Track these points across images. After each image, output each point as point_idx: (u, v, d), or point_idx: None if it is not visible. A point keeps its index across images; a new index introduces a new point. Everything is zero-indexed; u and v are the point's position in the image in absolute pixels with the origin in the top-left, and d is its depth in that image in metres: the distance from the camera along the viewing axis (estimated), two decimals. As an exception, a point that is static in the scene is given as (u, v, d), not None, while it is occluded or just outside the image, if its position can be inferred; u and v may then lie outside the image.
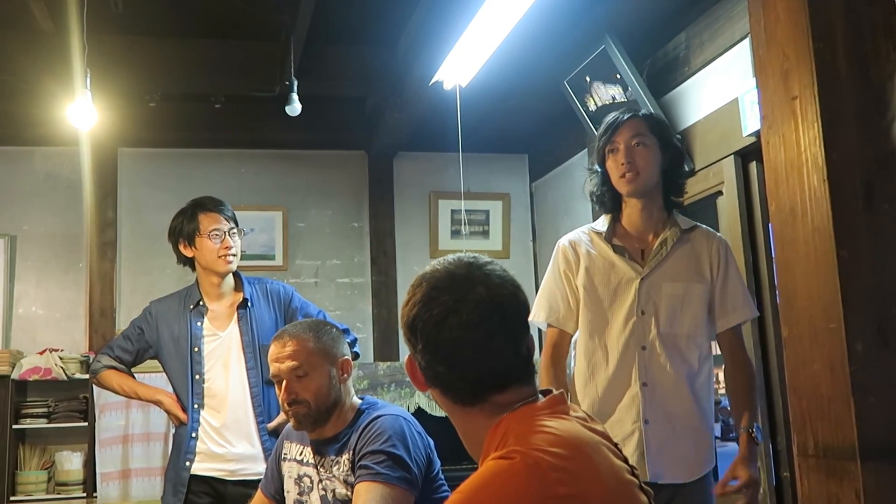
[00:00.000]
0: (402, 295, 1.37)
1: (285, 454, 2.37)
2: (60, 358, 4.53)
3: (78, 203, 4.89)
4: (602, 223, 2.43)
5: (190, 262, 3.04)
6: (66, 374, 4.49)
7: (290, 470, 2.33)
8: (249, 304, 2.99)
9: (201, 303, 3.00)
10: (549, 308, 2.42)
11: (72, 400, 4.56)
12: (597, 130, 3.93)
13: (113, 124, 4.46)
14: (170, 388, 3.02)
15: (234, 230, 3.00)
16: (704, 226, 2.43)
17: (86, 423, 4.46)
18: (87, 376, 4.46)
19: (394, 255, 5.25)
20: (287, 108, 3.81)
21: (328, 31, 4.07)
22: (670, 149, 2.37)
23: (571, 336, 2.42)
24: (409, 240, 5.29)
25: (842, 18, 1.46)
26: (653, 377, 2.27)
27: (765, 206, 3.22)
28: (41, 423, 4.50)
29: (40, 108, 4.47)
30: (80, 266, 4.90)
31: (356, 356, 3.04)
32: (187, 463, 2.88)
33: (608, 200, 2.40)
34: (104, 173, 4.94)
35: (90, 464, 4.41)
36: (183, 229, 2.99)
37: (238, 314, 2.98)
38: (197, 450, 2.89)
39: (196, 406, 2.91)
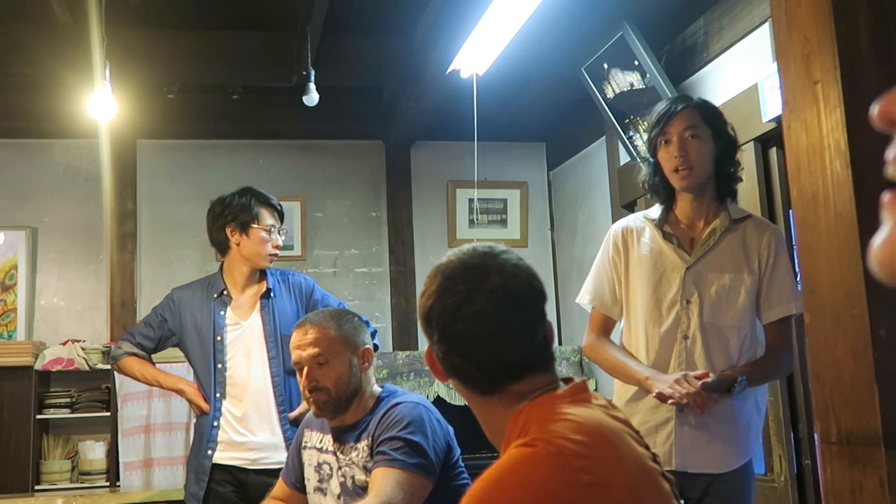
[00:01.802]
0: (421, 284, 1.37)
1: (306, 442, 2.39)
2: (83, 349, 4.57)
3: (98, 195, 4.92)
4: (656, 210, 2.41)
5: (222, 248, 3.03)
6: (88, 364, 4.53)
7: (310, 458, 2.34)
8: (272, 294, 3.01)
9: (225, 292, 3.02)
10: (595, 292, 2.43)
11: (94, 390, 4.60)
12: (615, 118, 3.98)
13: (132, 116, 4.48)
14: (191, 377, 3.05)
15: (282, 230, 3.04)
16: (758, 216, 2.40)
17: (108, 413, 4.49)
18: (109, 366, 4.50)
19: (412, 244, 5.25)
20: (304, 99, 3.81)
21: (345, 20, 4.06)
22: (722, 138, 2.32)
23: (616, 322, 2.42)
24: (426, 229, 5.29)
25: (864, 1, 1.44)
26: (692, 367, 2.24)
27: (785, 193, 3.19)
28: (64, 413, 4.54)
29: (60, 101, 4.50)
30: (100, 257, 4.94)
31: (376, 348, 3.09)
32: (209, 452, 2.90)
33: (662, 191, 2.36)
34: (123, 165, 4.96)
35: (113, 453, 4.45)
36: (238, 215, 2.97)
37: (261, 304, 3.00)
38: (219, 439, 2.91)
39: (218, 395, 2.94)
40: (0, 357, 4.43)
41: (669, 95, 3.55)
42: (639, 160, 2.47)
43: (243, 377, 2.94)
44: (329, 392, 2.21)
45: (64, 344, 4.59)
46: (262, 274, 3.06)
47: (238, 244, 2.99)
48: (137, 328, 3.09)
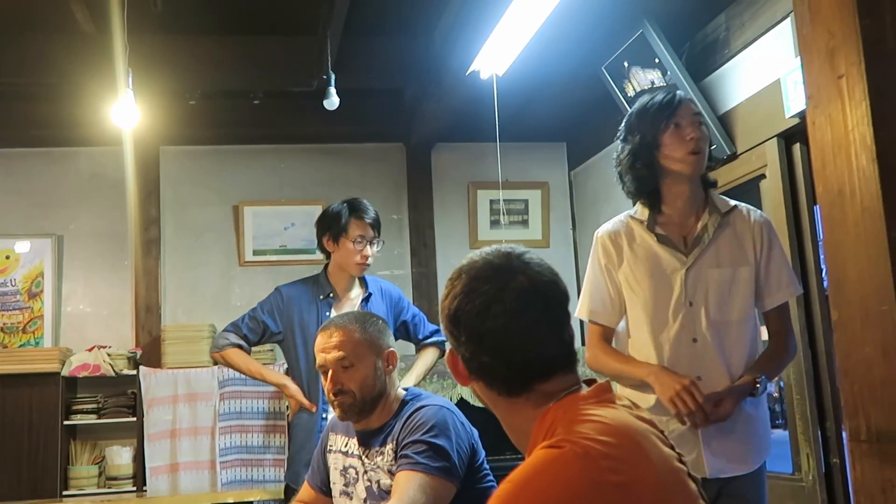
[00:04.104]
0: (443, 286, 1.37)
1: (331, 446, 2.39)
2: (108, 354, 4.60)
3: (122, 202, 4.97)
4: (640, 211, 2.35)
5: (325, 254, 3.29)
6: (114, 370, 4.56)
7: (335, 461, 2.35)
8: (371, 298, 3.24)
9: (332, 294, 3.23)
10: (592, 304, 2.36)
11: (120, 395, 4.64)
12: (636, 116, 3.94)
13: (154, 123, 4.51)
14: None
15: (376, 240, 3.26)
16: (743, 204, 2.37)
17: (134, 418, 4.53)
18: (133, 372, 4.55)
19: (433, 246, 5.25)
20: (325, 102, 3.82)
21: (364, 23, 4.07)
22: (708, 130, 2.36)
23: (614, 329, 2.39)
24: (448, 231, 5.29)
25: (889, -7, 1.42)
26: (706, 369, 2.22)
27: (809, 189, 3.17)
28: (91, 419, 4.58)
29: (84, 110, 4.54)
30: (125, 264, 4.98)
31: (442, 354, 3.41)
32: None
33: (647, 182, 2.30)
34: (147, 172, 5.00)
35: (139, 458, 4.48)
36: (332, 226, 3.23)
37: (361, 307, 3.20)
38: None
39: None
40: (27, 364, 4.48)
41: (691, 92, 3.53)
42: (622, 154, 2.35)
43: None
44: (354, 395, 2.21)
45: (90, 350, 4.63)
46: (362, 279, 3.31)
47: (333, 252, 3.24)
48: (244, 321, 3.27)
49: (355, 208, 3.25)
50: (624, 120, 2.38)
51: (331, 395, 2.23)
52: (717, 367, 2.22)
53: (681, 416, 2.12)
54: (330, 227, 3.23)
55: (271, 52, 4.27)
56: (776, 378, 2.84)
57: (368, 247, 3.22)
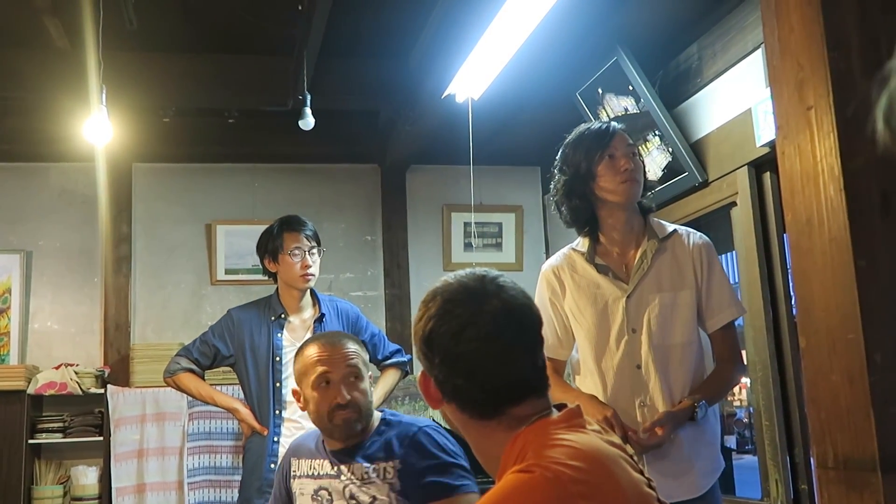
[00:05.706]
0: (416, 308, 1.37)
1: (294, 472, 2.34)
2: (76, 372, 4.54)
3: (93, 218, 4.92)
4: (581, 242, 2.40)
5: (273, 276, 3.27)
6: (81, 388, 4.50)
7: (302, 487, 2.30)
8: (324, 319, 3.20)
9: (283, 315, 3.19)
10: None
11: (87, 414, 4.57)
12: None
13: (127, 140, 4.49)
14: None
15: (315, 249, 3.22)
16: (683, 228, 2.40)
17: (101, 438, 4.47)
18: (101, 390, 4.49)
19: (407, 268, 5.25)
20: (300, 123, 3.82)
21: (341, 45, 4.09)
22: (642, 161, 2.40)
23: (565, 361, 2.42)
24: (422, 253, 5.29)
25: (856, 27, 1.45)
26: (651, 395, 2.24)
27: (779, 217, 3.21)
28: (57, 438, 4.51)
29: (56, 125, 4.50)
30: (95, 281, 4.92)
31: (405, 374, 3.39)
32: (272, 465, 3.01)
33: (583, 212, 2.35)
34: (119, 189, 4.97)
35: (105, 478, 4.42)
36: (268, 246, 3.22)
37: (314, 328, 3.16)
38: (279, 453, 3.01)
39: (277, 412, 3.08)
40: (-8, 381, 4.41)
41: (664, 120, 3.57)
42: (558, 184, 2.41)
43: None
44: (359, 410, 2.20)
45: (57, 368, 4.56)
46: (314, 300, 3.26)
47: (276, 272, 3.22)
48: (195, 345, 3.24)
49: (286, 222, 3.25)
50: (560, 151, 2.41)
51: (335, 409, 2.19)
52: (660, 392, 2.24)
53: None
54: (266, 247, 3.23)
55: (247, 70, 4.27)
56: (747, 403, 2.84)
57: (307, 256, 3.18)
